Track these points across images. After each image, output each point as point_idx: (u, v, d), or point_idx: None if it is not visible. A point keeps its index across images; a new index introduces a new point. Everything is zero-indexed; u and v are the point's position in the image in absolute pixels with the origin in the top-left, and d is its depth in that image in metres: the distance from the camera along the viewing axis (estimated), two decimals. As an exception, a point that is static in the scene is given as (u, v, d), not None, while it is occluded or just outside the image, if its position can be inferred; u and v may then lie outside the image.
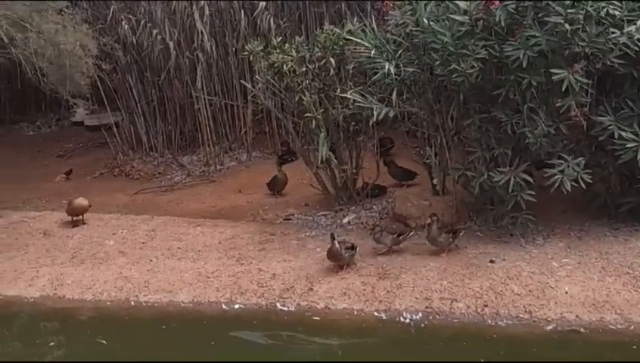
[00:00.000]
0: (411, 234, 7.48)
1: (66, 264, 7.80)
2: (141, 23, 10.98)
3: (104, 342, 6.52)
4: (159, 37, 10.85)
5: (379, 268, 7.05)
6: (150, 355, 6.23)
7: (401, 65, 7.28)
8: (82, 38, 8.23)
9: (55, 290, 7.36)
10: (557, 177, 6.68)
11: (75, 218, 8.71)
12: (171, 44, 10.82)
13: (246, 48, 8.79)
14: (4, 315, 7.12)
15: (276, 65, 8.24)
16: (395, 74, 7.22)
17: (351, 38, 7.98)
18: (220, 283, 7.17)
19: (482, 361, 5.78)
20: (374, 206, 8.62)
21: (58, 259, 7.90)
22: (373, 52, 7.39)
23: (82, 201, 8.70)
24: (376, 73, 7.41)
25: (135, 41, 11.19)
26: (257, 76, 9.04)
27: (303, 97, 8.14)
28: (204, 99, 11.13)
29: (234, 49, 11.06)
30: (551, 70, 6.54)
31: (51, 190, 10.82)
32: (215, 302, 6.96)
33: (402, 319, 6.40)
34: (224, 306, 6.91)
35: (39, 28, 7.98)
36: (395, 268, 7.01)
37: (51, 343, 6.62)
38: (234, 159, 11.39)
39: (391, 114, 7.42)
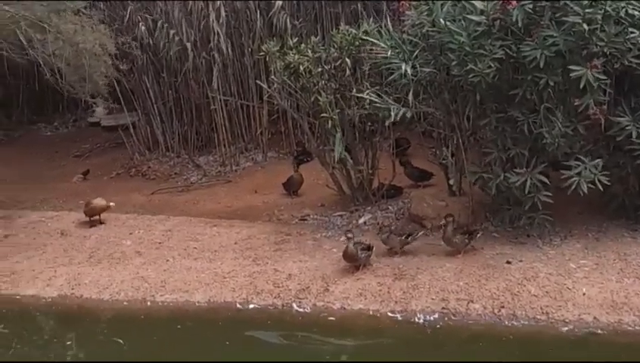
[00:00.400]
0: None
1: (83, 264, 7.84)
2: (158, 23, 11.03)
3: (121, 341, 6.53)
4: (176, 38, 10.90)
5: (395, 269, 7.04)
6: (165, 354, 6.26)
7: (417, 65, 7.27)
8: (100, 38, 8.27)
9: (73, 289, 7.40)
10: (574, 179, 6.64)
11: (92, 218, 8.75)
12: (188, 44, 10.86)
13: (263, 48, 8.81)
14: (22, 315, 7.16)
15: (292, 65, 8.24)
16: (411, 74, 7.21)
17: (367, 38, 7.97)
18: (236, 283, 7.18)
19: (498, 362, 5.76)
20: (390, 207, 8.60)
21: (76, 259, 7.94)
22: (389, 53, 7.37)
23: (99, 201, 8.74)
24: (392, 74, 7.40)
25: (151, 42, 11.25)
26: (273, 77, 9.04)
27: (319, 98, 8.15)
28: (220, 99, 11.16)
29: (250, 49, 11.08)
30: (569, 67, 6.50)
31: (68, 191, 10.89)
32: (231, 302, 6.97)
33: (418, 320, 6.38)
34: (240, 306, 6.92)
35: (58, 29, 8.03)
36: (411, 269, 6.99)
37: (68, 342, 6.65)
38: (250, 159, 11.41)
39: (408, 115, 7.40)
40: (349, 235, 7.16)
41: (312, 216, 8.68)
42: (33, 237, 8.52)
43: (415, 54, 7.32)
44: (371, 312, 6.54)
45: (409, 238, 7.35)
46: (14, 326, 6.99)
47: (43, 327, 7.11)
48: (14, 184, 11.92)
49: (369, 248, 7.14)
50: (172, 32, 10.90)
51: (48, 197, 10.64)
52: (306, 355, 6.12)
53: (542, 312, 6.20)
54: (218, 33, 10.76)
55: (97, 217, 8.76)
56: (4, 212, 9.39)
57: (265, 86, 9.93)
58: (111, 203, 8.83)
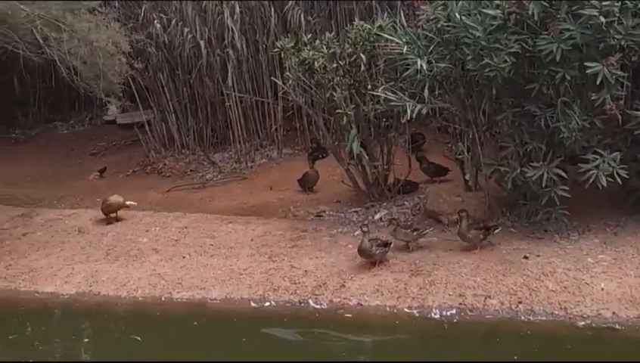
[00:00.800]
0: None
1: (100, 261, 7.89)
2: (172, 21, 11.07)
3: (138, 338, 6.56)
4: (190, 35, 10.92)
5: (411, 265, 7.02)
6: (181, 351, 6.28)
7: (432, 60, 7.24)
8: (114, 36, 8.30)
9: (90, 286, 7.44)
10: (592, 172, 6.59)
11: (109, 215, 8.79)
12: (202, 42, 10.88)
13: (277, 44, 8.80)
14: (41, 312, 7.21)
15: (307, 62, 8.23)
16: (426, 70, 7.18)
17: (382, 34, 7.95)
18: (252, 280, 7.19)
19: (516, 358, 5.73)
20: (405, 203, 8.58)
21: (93, 256, 7.98)
22: (405, 48, 7.34)
23: (116, 198, 8.78)
24: (407, 69, 7.38)
25: (166, 39, 11.28)
26: (288, 73, 9.03)
27: (334, 94, 8.14)
28: (235, 96, 11.17)
29: (264, 46, 11.08)
30: (586, 64, 6.45)
31: (85, 188, 10.95)
32: (247, 298, 6.98)
33: (434, 315, 6.36)
34: (255, 303, 6.93)
35: (72, 27, 8.06)
36: (427, 265, 6.97)
37: (86, 340, 6.69)
38: (265, 156, 11.42)
39: (423, 111, 7.37)
40: (365, 229, 7.15)
41: (327, 212, 8.68)
42: (51, 234, 8.56)
43: (430, 49, 7.30)
44: (387, 308, 6.53)
45: (415, 232, 7.33)
46: (33, 323, 7.05)
47: (61, 324, 7.14)
48: (32, 182, 12.01)
49: (386, 244, 7.12)
50: (186, 29, 10.94)
51: (65, 195, 10.70)
52: (323, 352, 6.11)
53: (560, 308, 6.16)
54: (232, 30, 10.78)
55: (114, 214, 8.80)
56: (22, 211, 9.46)
57: (279, 83, 9.92)
58: (128, 202, 8.86)
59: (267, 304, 6.88)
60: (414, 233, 7.34)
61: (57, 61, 8.54)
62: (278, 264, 7.41)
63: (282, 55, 8.84)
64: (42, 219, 9.05)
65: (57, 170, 12.75)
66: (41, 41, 8.49)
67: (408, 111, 7.31)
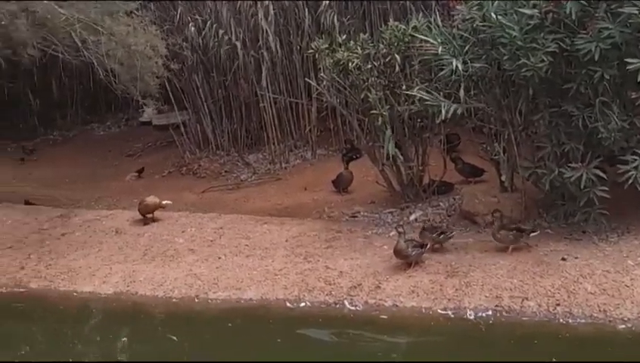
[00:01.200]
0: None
1: (138, 261, 7.96)
2: (207, 23, 11.15)
3: (174, 338, 6.62)
4: (225, 37, 10.99)
5: (447, 266, 6.98)
6: (217, 351, 6.31)
7: (468, 61, 7.19)
8: (152, 39, 8.40)
9: (128, 286, 7.52)
10: (631, 173, 6.50)
11: (146, 216, 8.87)
12: (237, 43, 10.94)
13: (312, 45, 8.82)
14: (79, 311, 7.31)
15: (341, 62, 8.24)
16: (462, 70, 7.13)
17: (416, 34, 7.92)
18: (288, 280, 7.21)
19: (554, 360, 5.67)
20: (440, 203, 8.54)
21: (130, 257, 8.07)
22: (440, 49, 7.31)
23: (153, 199, 8.86)
24: (442, 70, 7.34)
25: (201, 41, 11.37)
26: (322, 74, 9.04)
27: (369, 94, 8.13)
28: (269, 97, 11.21)
29: (298, 47, 11.11)
30: (626, 60, 6.35)
31: (121, 189, 11.08)
32: (282, 299, 7.00)
33: (470, 317, 6.32)
34: (291, 304, 6.95)
35: (111, 30, 8.17)
36: (463, 266, 6.93)
37: (124, 339, 6.76)
38: (299, 157, 11.44)
39: (458, 111, 7.33)
40: (400, 230, 7.13)
41: (362, 213, 8.67)
42: (89, 235, 8.66)
43: (466, 49, 7.25)
44: (423, 310, 6.51)
45: (442, 236, 7.29)
46: (72, 322, 7.15)
47: (99, 323, 7.23)
48: (70, 183, 12.20)
49: (422, 246, 7.09)
50: (221, 31, 11.01)
51: (102, 196, 10.84)
52: (358, 353, 6.11)
53: (600, 310, 6.08)
54: (266, 32, 10.83)
55: (150, 215, 8.88)
56: (61, 211, 9.58)
57: (314, 84, 9.93)
58: (164, 201, 8.94)
59: (302, 304, 6.90)
60: (441, 236, 7.30)
61: (95, 64, 8.65)
62: (313, 264, 7.42)
63: (316, 56, 8.85)
64: (80, 220, 9.15)
65: (94, 171, 12.92)
66: (80, 44, 8.61)
67: (443, 111, 7.27)
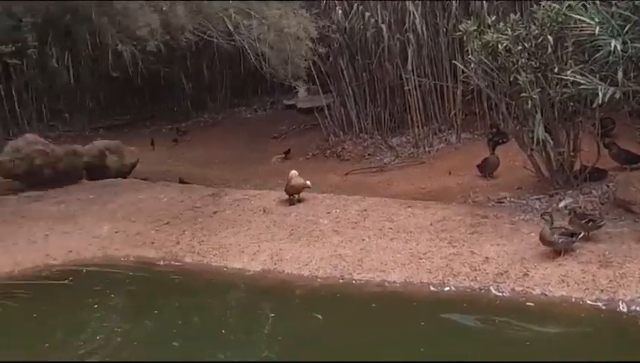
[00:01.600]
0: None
1: (284, 240, 8.18)
2: (354, 7, 11.22)
3: (319, 317, 6.75)
4: (371, 20, 11.03)
5: (600, 256, 6.70)
6: (362, 332, 6.38)
7: (628, 41, 6.82)
8: (303, 22, 8.56)
9: (275, 264, 7.75)
10: None
11: (292, 196, 9.10)
12: (383, 26, 10.95)
13: (460, 28, 8.67)
14: (229, 286, 7.61)
15: (490, 44, 8.05)
16: (621, 51, 6.78)
17: (571, 14, 7.59)
18: (432, 264, 7.18)
19: None
20: (592, 191, 8.20)
21: (277, 236, 8.30)
22: (597, 29, 6.98)
23: (299, 180, 9.05)
24: (597, 51, 7.01)
25: (347, 25, 11.47)
26: (470, 56, 8.88)
27: (518, 77, 7.90)
28: (414, 80, 11.16)
29: (444, 30, 10.96)
30: None
31: (268, 170, 11.43)
32: (427, 283, 6.97)
33: (624, 310, 6.04)
34: (434, 288, 6.91)
35: (262, 14, 8.40)
36: (618, 256, 6.62)
37: (272, 315, 6.97)
38: (443, 140, 11.34)
39: (616, 95, 6.97)
40: (546, 217, 6.90)
41: (508, 199, 8.48)
42: (239, 214, 8.97)
43: (626, 29, 6.88)
44: (573, 300, 6.28)
45: (590, 224, 6.97)
46: (222, 295, 7.45)
47: (247, 298, 7.49)
48: (219, 163, 12.73)
49: (572, 234, 6.84)
50: (367, 14, 11.05)
51: (249, 176, 11.22)
52: (505, 340, 5.99)
53: None
54: (413, 14, 10.76)
55: (296, 196, 9.09)
56: (212, 190, 9.98)
57: (461, 66, 9.78)
58: (308, 182, 9.12)
59: (447, 289, 6.85)
60: (589, 224, 7.00)
61: (246, 48, 8.94)
62: (457, 249, 7.34)
63: (464, 38, 8.70)
64: (230, 199, 9.49)
65: (242, 152, 13.40)
66: (232, 29, 8.93)
67: (600, 95, 6.95)
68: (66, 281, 7.67)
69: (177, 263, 8.09)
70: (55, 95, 17.29)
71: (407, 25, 10.96)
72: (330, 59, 11.91)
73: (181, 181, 10.98)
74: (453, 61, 10.58)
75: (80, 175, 10.98)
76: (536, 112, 7.86)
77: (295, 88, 10.23)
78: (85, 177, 11.02)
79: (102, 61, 17.23)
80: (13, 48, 10.06)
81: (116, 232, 8.78)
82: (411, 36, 10.92)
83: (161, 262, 8.12)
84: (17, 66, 14.78)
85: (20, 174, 10.65)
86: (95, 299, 7.21)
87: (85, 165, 11.10)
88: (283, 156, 12.23)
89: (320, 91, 12.51)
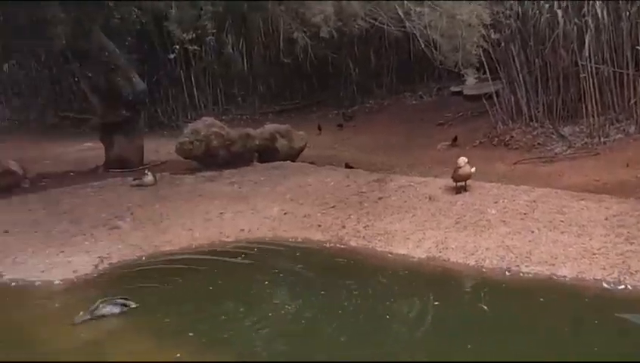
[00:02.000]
0: None
1: (450, 229, 8.11)
2: (529, -9, 10.89)
3: (485, 307, 6.65)
4: (546, 5, 10.65)
5: None
6: (529, 324, 6.22)
7: None
8: (477, 9, 8.42)
9: (440, 252, 7.71)
10: None
11: (458, 184, 8.99)
12: (559, 11, 10.54)
13: (645, 12, 8.18)
14: (394, 271, 7.64)
15: (680, 29, 7.54)
16: None
17: None
18: (606, 261, 6.85)
19: None
20: None
21: (443, 224, 8.23)
22: None
23: (468, 168, 8.93)
24: None
25: (520, 10, 11.14)
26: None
27: None
28: (590, 67, 10.65)
29: (627, 13, 10.37)
30: None
31: (433, 157, 11.37)
32: (600, 279, 6.66)
33: None
34: (609, 285, 6.59)
35: (435, 1, 8.35)
36: None
37: (436, 303, 6.95)
38: (621, 131, 10.76)
39: None
40: None
41: (694, 196, 7.92)
42: (404, 200, 8.98)
43: None
44: None
45: None
46: (387, 280, 7.50)
47: (411, 284, 7.49)
48: (384, 149, 12.83)
49: None
50: (542, -1, 10.69)
51: (414, 163, 11.21)
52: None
53: None
54: (594, -3, 10.29)
55: (462, 184, 8.98)
56: (377, 176, 10.07)
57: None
58: (473, 169, 8.98)
59: (621, 287, 6.51)
60: None
61: (417, 34, 8.92)
62: (635, 247, 6.95)
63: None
64: (395, 185, 9.53)
65: (407, 139, 13.42)
66: (403, 16, 8.94)
67: None
68: (239, 258, 8.05)
69: (342, 246, 8.25)
70: (230, 80, 18.12)
71: (585, 9, 10.46)
72: (502, 45, 11.61)
73: (347, 166, 11.16)
74: (636, 47, 9.97)
75: (252, 157, 11.48)
76: None
77: (464, 75, 10.06)
78: (256, 159, 11.51)
79: (273, 48, 17.95)
80: (194, 36, 10.66)
81: (284, 213, 9.09)
82: (589, 21, 10.41)
83: (327, 245, 8.32)
84: (196, 52, 15.72)
85: (198, 155, 11.29)
86: (266, 277, 7.52)
87: (256, 148, 11.58)
88: (449, 143, 12.11)
89: (489, 77, 12.24)
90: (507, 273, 7.18)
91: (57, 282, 7.40)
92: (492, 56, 11.79)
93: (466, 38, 8.43)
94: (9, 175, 10.38)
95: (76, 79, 15.90)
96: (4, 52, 17.91)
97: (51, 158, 13.95)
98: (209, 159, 11.20)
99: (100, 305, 6.48)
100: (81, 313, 6.45)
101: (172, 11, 10.12)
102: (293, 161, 11.54)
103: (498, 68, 12.10)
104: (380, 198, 9.18)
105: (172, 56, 15.71)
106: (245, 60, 18.15)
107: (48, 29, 9.04)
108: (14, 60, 18.95)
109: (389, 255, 7.95)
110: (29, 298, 7.15)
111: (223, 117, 15.70)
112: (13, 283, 7.46)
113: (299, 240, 8.52)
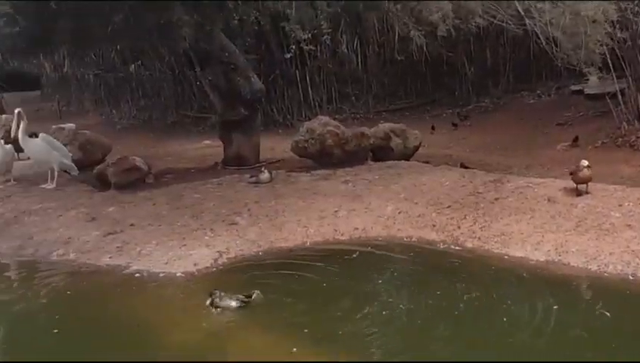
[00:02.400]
0: None
1: (570, 232, 7.86)
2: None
3: (607, 313, 6.41)
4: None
5: None
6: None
7: None
8: (603, 4, 8.10)
9: (560, 256, 7.49)
10: None
11: (579, 186, 8.70)
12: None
13: None
14: (511, 274, 7.47)
15: None
16: None
17: None
18: None
19: None
20: None
21: (562, 226, 7.99)
22: None
23: (587, 171, 8.63)
24: None
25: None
26: None
27: None
28: None
29: None
30: None
31: (552, 158, 11.05)
32: None
33: None
34: None
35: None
36: None
37: (555, 307, 6.75)
38: None
39: None
40: None
41: None
42: (521, 201, 8.77)
43: None
44: None
45: None
46: (504, 283, 7.36)
47: (529, 287, 7.30)
48: (500, 149, 12.57)
49: None
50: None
51: (532, 164, 10.93)
52: None
53: None
54: None
55: (584, 186, 8.68)
56: (493, 176, 9.88)
57: None
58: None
59: None
60: None
61: (537, 32, 8.68)
62: None
63: None
64: (512, 186, 9.33)
65: (524, 139, 13.09)
66: (522, 13, 8.72)
67: None
68: (353, 256, 8.11)
69: (457, 247, 8.16)
70: (344, 79, 18.25)
71: None
72: (628, 42, 11.13)
73: (462, 166, 11.02)
74: None
75: (366, 156, 11.52)
76: None
77: (587, 73, 9.69)
78: (371, 158, 11.54)
79: (387, 47, 17.94)
80: (310, 35, 10.82)
81: (399, 212, 9.08)
82: None
83: (441, 245, 8.25)
84: (312, 52, 15.94)
85: (313, 153, 11.44)
86: (380, 275, 7.55)
87: (370, 147, 11.61)
88: (569, 143, 11.73)
89: (613, 76, 11.76)
90: (631, 278, 6.91)
91: (179, 274, 7.70)
92: (618, 54, 11.32)
93: (590, 36, 8.12)
94: (135, 171, 10.85)
95: (197, 80, 16.43)
96: (132, 54, 18.82)
97: (172, 155, 14.51)
98: (324, 158, 11.33)
99: (220, 298, 6.69)
100: (207, 303, 6.70)
101: (291, 12, 10.31)
102: (408, 160, 11.50)
103: (624, 66, 11.62)
104: (496, 199, 9.01)
105: (288, 55, 16.03)
106: (359, 59, 18.23)
107: (173, 31, 9.41)
108: (140, 61, 19.85)
109: (506, 257, 7.80)
110: (153, 288, 7.47)
111: (337, 116, 15.82)
112: (137, 274, 7.80)
113: (414, 239, 8.50)
